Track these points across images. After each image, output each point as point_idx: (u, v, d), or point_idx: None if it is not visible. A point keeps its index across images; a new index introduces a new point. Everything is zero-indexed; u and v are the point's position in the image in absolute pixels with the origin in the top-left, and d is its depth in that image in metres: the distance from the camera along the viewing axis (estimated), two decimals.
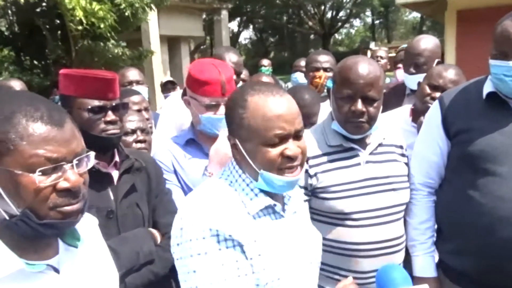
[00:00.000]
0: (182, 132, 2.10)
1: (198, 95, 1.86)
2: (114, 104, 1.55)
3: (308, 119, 2.13)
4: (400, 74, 2.75)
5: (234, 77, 2.01)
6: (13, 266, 0.91)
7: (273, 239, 1.18)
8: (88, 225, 1.13)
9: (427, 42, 2.62)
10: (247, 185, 1.20)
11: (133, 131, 2.09)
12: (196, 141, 1.95)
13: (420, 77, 2.57)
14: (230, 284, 1.10)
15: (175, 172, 1.91)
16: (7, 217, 0.91)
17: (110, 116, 1.53)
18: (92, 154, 0.98)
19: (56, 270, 0.99)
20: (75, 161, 0.93)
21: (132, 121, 2.10)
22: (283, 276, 1.17)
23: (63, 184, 0.91)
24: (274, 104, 1.15)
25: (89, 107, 1.50)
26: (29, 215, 0.89)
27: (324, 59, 3.06)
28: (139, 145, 2.10)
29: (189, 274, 1.11)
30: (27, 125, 0.88)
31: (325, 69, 3.01)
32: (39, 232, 0.93)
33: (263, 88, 1.19)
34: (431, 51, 2.58)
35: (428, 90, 2.19)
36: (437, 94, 2.10)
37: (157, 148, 2.06)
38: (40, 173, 0.88)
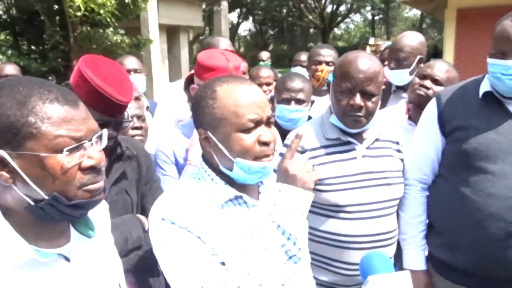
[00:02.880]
0: (190, 121, 2.07)
1: None
2: (118, 120, 1.55)
3: None
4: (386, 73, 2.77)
5: (244, 65, 1.98)
6: (25, 255, 0.89)
7: (237, 229, 1.17)
8: (99, 211, 1.12)
9: (410, 38, 2.60)
10: (212, 179, 1.21)
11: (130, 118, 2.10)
12: None
13: (401, 72, 2.57)
14: (192, 264, 1.11)
15: (177, 163, 1.90)
16: (31, 203, 0.89)
17: (109, 131, 1.52)
18: (105, 132, 0.97)
19: (67, 259, 0.98)
20: (94, 139, 0.93)
21: (129, 108, 2.10)
22: (248, 266, 1.15)
23: (87, 162, 0.91)
24: (244, 92, 1.16)
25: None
26: (59, 198, 0.88)
27: (327, 53, 3.06)
28: (135, 131, 2.10)
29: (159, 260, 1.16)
30: (45, 107, 0.86)
31: (327, 63, 3.01)
32: (66, 215, 0.92)
33: (230, 79, 1.21)
34: (412, 47, 2.55)
35: (417, 80, 2.20)
36: (426, 82, 2.13)
37: (161, 138, 2.03)
38: (68, 153, 0.87)
